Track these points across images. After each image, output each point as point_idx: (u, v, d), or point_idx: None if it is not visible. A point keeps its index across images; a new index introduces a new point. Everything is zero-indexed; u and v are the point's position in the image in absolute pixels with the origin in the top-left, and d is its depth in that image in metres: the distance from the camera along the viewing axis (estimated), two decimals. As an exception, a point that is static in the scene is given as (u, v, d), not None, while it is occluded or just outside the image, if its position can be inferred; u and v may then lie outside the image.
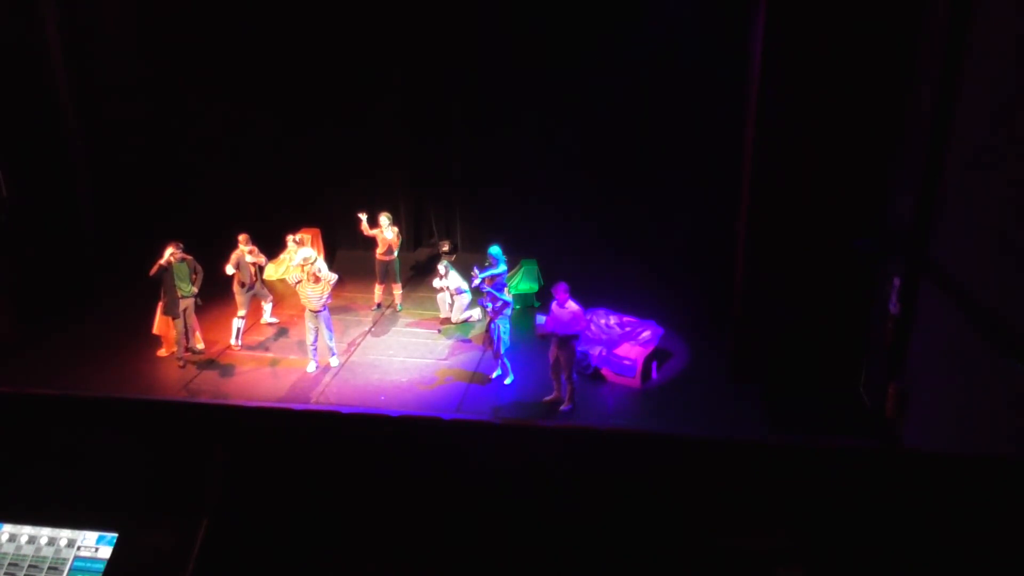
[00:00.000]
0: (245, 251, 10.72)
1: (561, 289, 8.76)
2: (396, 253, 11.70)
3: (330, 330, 10.15)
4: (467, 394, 9.71)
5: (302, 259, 9.90)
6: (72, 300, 11.59)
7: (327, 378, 10.09)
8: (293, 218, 12.96)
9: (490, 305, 9.53)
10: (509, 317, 9.67)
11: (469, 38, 12.23)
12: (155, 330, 10.47)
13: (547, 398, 9.41)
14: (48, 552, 2.09)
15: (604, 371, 9.89)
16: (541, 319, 9.84)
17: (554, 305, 8.83)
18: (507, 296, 9.70)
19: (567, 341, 8.86)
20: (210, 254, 10.84)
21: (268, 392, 9.82)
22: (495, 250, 9.83)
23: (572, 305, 8.74)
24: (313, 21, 12.38)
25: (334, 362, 10.34)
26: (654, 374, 9.96)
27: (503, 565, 2.02)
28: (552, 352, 9.04)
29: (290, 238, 12.38)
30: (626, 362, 9.71)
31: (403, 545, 2.08)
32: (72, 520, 2.12)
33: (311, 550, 2.10)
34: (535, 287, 12.02)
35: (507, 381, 9.85)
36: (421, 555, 2.06)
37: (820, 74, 8.17)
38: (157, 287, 10.00)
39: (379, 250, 11.63)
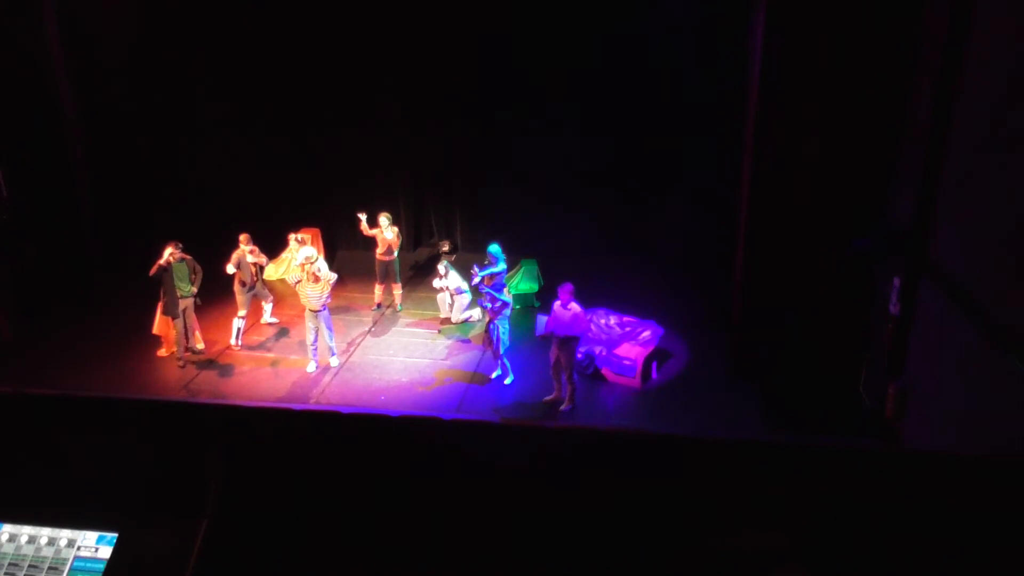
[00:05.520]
0: (246, 251, 10.73)
1: (566, 290, 8.76)
2: (396, 253, 11.70)
3: (330, 330, 10.15)
4: (467, 394, 9.71)
5: (304, 258, 9.90)
6: (72, 300, 11.58)
7: (327, 378, 10.09)
8: (293, 218, 12.97)
9: (489, 305, 9.53)
10: (508, 317, 9.67)
11: (469, 38, 12.23)
12: (155, 330, 10.47)
13: (547, 398, 9.41)
14: (48, 552, 2.09)
15: (604, 371, 9.89)
16: (542, 320, 9.84)
17: (556, 305, 8.82)
18: (506, 296, 9.69)
19: (567, 342, 8.85)
20: (210, 254, 10.84)
21: (268, 392, 9.82)
22: (494, 248, 9.82)
23: (575, 306, 8.73)
24: (313, 21, 12.38)
25: (334, 362, 10.34)
26: (654, 374, 9.95)
27: (503, 565, 2.02)
28: (553, 352, 9.04)
29: (292, 237, 12.38)
30: (626, 362, 9.71)
31: (403, 545, 2.08)
32: (72, 520, 2.12)
33: (311, 550, 2.10)
34: (535, 287, 12.01)
35: (507, 381, 9.85)
36: (421, 555, 2.06)
37: (820, 74, 8.17)
38: (157, 287, 10.00)
39: (379, 250, 11.63)
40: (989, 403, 5.94)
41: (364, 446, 2.17)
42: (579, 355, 9.35)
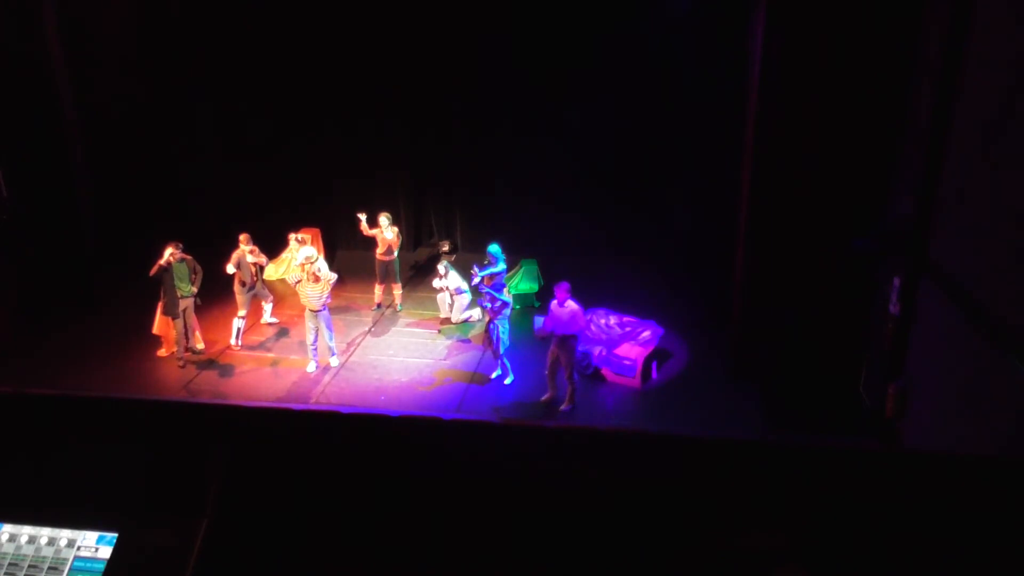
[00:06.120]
0: (246, 251, 10.73)
1: (562, 288, 8.77)
2: (396, 253, 11.70)
3: (330, 330, 10.15)
4: (467, 394, 9.71)
5: (304, 258, 9.91)
6: (72, 300, 11.58)
7: (327, 378, 10.09)
8: (293, 218, 12.96)
9: (489, 305, 9.53)
10: (508, 317, 9.67)
11: (469, 38, 12.23)
12: (155, 330, 10.47)
13: (543, 398, 9.40)
14: (48, 552, 2.09)
15: (604, 371, 9.89)
16: (539, 320, 9.84)
17: (553, 304, 8.83)
18: (506, 296, 9.69)
19: (566, 341, 8.86)
20: (210, 254, 10.84)
21: (268, 392, 9.83)
22: (494, 248, 9.83)
23: (572, 304, 8.74)
24: (313, 22, 12.38)
25: (334, 362, 10.34)
26: (654, 374, 9.95)
27: (503, 565, 2.02)
28: (551, 352, 9.04)
29: (292, 237, 12.38)
30: (626, 362, 9.71)
31: (403, 545, 2.08)
32: (72, 520, 2.12)
33: (311, 550, 2.10)
34: (535, 287, 12.02)
35: (507, 381, 9.85)
36: (421, 555, 2.06)
37: (820, 74, 8.17)
38: (157, 287, 10.00)
39: (379, 250, 11.63)
40: (989, 403, 5.94)
41: (364, 446, 2.17)
42: (576, 354, 9.35)
